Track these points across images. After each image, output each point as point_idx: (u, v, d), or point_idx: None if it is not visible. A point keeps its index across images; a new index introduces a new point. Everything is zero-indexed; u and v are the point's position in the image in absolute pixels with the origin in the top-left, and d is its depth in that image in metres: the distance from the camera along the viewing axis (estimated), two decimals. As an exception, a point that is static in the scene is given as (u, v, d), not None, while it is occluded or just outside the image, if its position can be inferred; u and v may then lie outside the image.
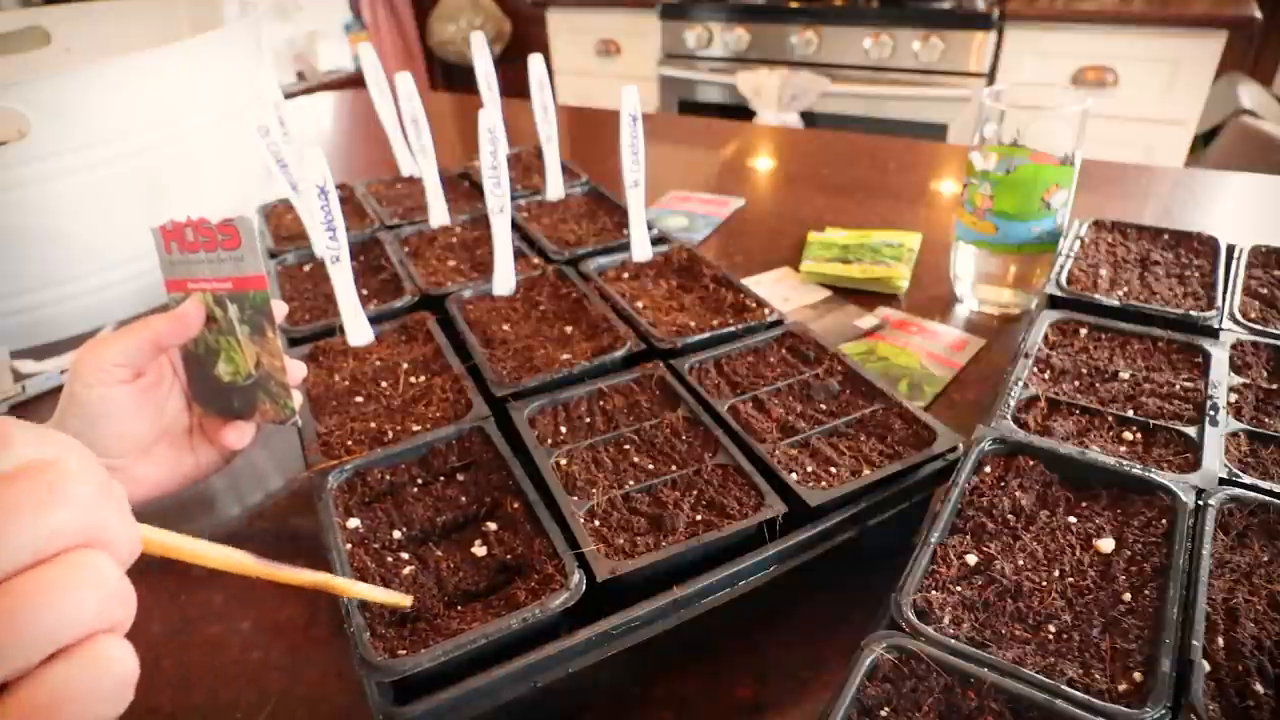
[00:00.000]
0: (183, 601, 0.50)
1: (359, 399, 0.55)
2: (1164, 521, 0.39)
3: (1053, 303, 0.59)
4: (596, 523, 0.43)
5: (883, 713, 0.31)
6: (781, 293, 0.80)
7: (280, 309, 0.50)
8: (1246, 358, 0.52)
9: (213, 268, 0.44)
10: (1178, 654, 0.32)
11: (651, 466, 0.48)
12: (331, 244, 0.58)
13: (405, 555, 0.42)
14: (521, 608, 0.37)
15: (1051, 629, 0.34)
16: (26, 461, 0.21)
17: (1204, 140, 1.97)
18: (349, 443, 0.50)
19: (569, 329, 0.62)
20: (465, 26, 3.26)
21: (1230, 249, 0.63)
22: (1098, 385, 0.51)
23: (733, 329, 0.59)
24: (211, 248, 0.44)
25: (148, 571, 0.54)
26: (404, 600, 0.38)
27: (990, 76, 2.13)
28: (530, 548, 0.42)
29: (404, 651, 0.35)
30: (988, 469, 0.43)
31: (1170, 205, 0.98)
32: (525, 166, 0.97)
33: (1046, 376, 0.52)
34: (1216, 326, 0.54)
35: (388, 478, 0.48)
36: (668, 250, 0.72)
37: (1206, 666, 0.31)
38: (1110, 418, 0.47)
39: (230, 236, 0.43)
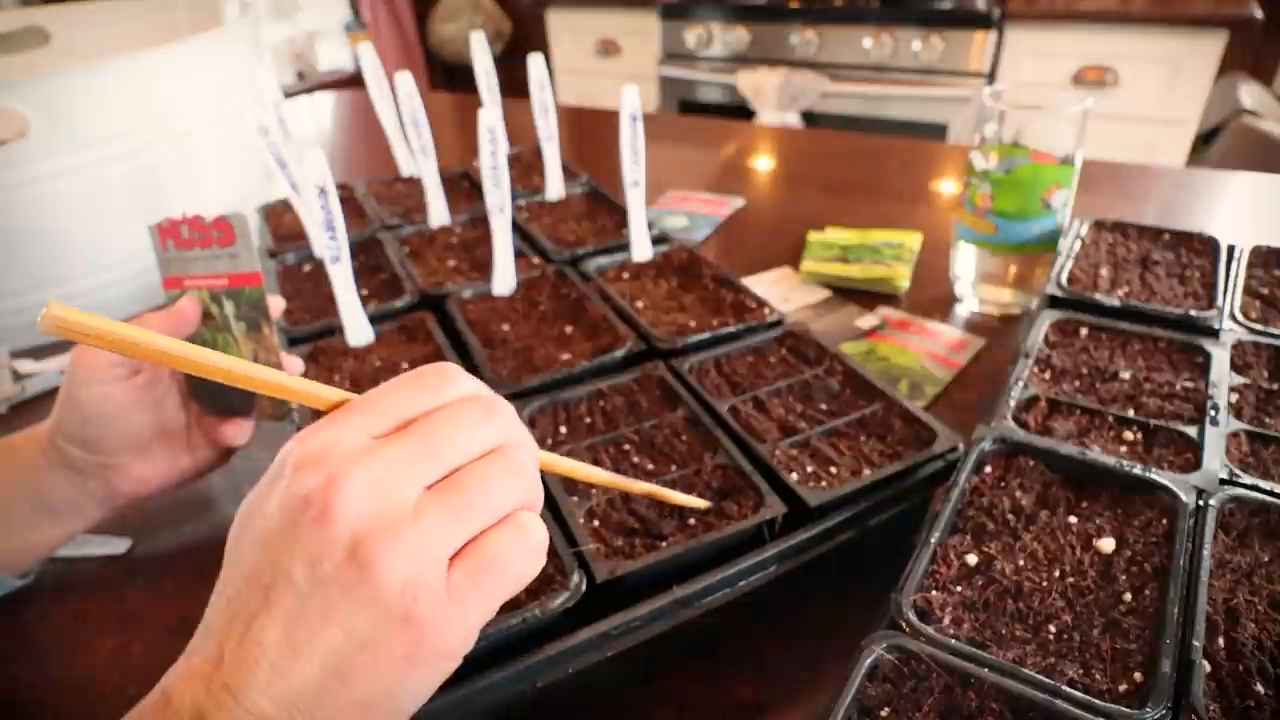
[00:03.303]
0: (183, 601, 0.50)
1: (359, 399, 0.55)
2: (1164, 522, 0.39)
3: (1053, 303, 0.59)
4: (596, 523, 0.43)
5: (883, 713, 0.31)
6: (781, 293, 0.80)
7: (277, 304, 0.50)
8: (1247, 358, 0.52)
9: (208, 264, 0.44)
10: (1178, 654, 0.32)
11: (651, 467, 0.48)
12: (331, 244, 0.58)
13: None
14: (521, 608, 0.37)
15: (1052, 629, 0.34)
16: (471, 392, 0.29)
17: (1204, 140, 1.97)
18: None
19: (569, 329, 0.62)
20: (465, 26, 3.26)
21: (1230, 249, 0.63)
22: (1098, 385, 0.51)
23: (733, 329, 0.59)
24: (207, 245, 0.44)
25: (148, 572, 0.54)
26: (702, 504, 0.43)
27: (990, 76, 2.13)
28: (530, 548, 0.42)
29: (404, 652, 0.35)
30: (988, 469, 0.43)
31: (1170, 205, 0.98)
32: (525, 166, 0.96)
33: (1047, 376, 0.52)
34: (1217, 326, 0.54)
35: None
36: (668, 250, 0.72)
37: (1207, 667, 0.31)
38: (1111, 418, 0.47)
39: (225, 233, 0.43)
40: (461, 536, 0.26)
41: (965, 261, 0.75)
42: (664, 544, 0.41)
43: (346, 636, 0.24)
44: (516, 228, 0.78)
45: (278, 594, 0.24)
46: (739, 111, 2.40)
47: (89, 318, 0.23)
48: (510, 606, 0.38)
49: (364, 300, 0.63)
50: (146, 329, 0.41)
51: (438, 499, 0.26)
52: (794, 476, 0.45)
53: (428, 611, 0.25)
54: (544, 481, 0.45)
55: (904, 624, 0.34)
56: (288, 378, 0.28)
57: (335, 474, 0.25)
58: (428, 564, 0.25)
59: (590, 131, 1.41)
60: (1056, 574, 0.37)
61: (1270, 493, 0.39)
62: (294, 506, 0.25)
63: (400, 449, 0.26)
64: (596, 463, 0.48)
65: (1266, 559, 0.37)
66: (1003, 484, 0.42)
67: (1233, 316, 0.55)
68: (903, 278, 0.79)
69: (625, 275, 0.70)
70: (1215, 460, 0.42)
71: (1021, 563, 0.38)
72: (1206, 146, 1.91)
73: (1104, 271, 0.62)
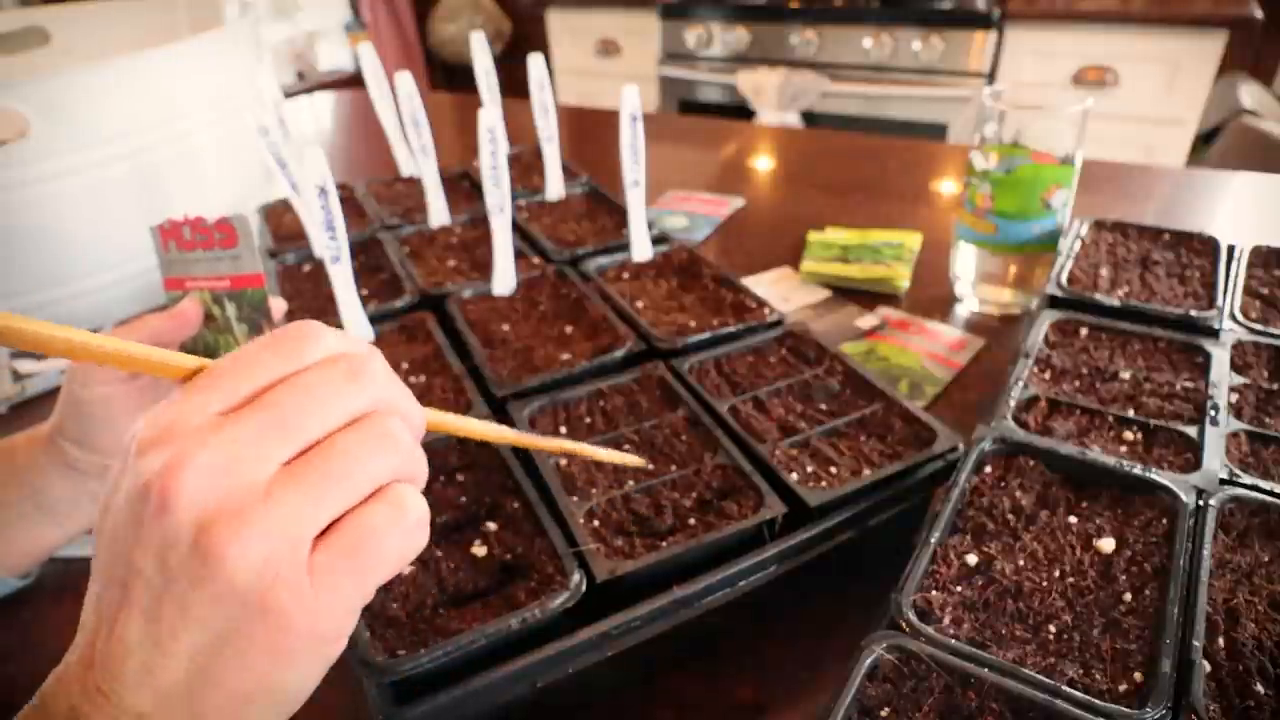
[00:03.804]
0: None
1: (359, 399, 0.55)
2: (1164, 522, 0.39)
3: (1053, 303, 0.59)
4: (596, 523, 0.43)
5: (883, 713, 0.31)
6: (781, 293, 0.80)
7: (279, 306, 0.50)
8: (1247, 357, 0.52)
9: (210, 266, 0.44)
10: (1178, 654, 0.32)
11: (651, 467, 0.48)
12: (331, 244, 0.58)
13: (405, 555, 0.42)
14: (521, 608, 0.37)
15: (1052, 629, 0.34)
16: (336, 351, 0.26)
17: (1204, 140, 1.97)
18: (349, 443, 0.50)
19: (569, 329, 0.62)
20: (465, 26, 3.26)
21: (1230, 249, 0.63)
22: (1098, 385, 0.51)
23: (733, 329, 0.59)
24: (209, 246, 0.44)
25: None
26: (640, 461, 0.44)
27: (990, 76, 2.13)
28: (530, 548, 0.42)
29: (404, 651, 0.35)
30: (988, 469, 0.43)
31: (1170, 205, 0.98)
32: (525, 166, 0.96)
33: (1047, 376, 0.52)
34: (1217, 326, 0.54)
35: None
36: (668, 250, 0.72)
37: (1207, 667, 0.31)
38: (1111, 418, 0.47)
39: (227, 235, 0.43)
40: (324, 516, 0.24)
41: (965, 261, 0.75)
42: (664, 544, 0.41)
43: (204, 631, 0.23)
44: (516, 228, 0.78)
45: (134, 590, 0.23)
46: (739, 111, 2.40)
47: (30, 323, 0.23)
48: (511, 607, 0.38)
49: (364, 300, 0.63)
50: (147, 329, 0.40)
51: (292, 477, 0.24)
52: (794, 476, 0.45)
53: (289, 599, 0.23)
54: (543, 481, 0.45)
55: (904, 624, 0.34)
56: (134, 346, 0.26)
57: (175, 458, 0.23)
58: (282, 548, 0.23)
59: (590, 131, 1.41)
60: (1056, 574, 0.37)
61: (1270, 493, 0.39)
62: (136, 496, 0.23)
63: (248, 424, 0.24)
64: (598, 463, 0.48)
65: (1266, 559, 0.37)
66: (1003, 484, 0.42)
67: (1233, 316, 0.55)
68: (903, 278, 0.79)
69: (625, 275, 0.70)
70: (1215, 460, 0.42)
71: (1021, 563, 0.38)
72: (1206, 146, 1.91)
73: (1104, 271, 0.62)
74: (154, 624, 0.23)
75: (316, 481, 0.24)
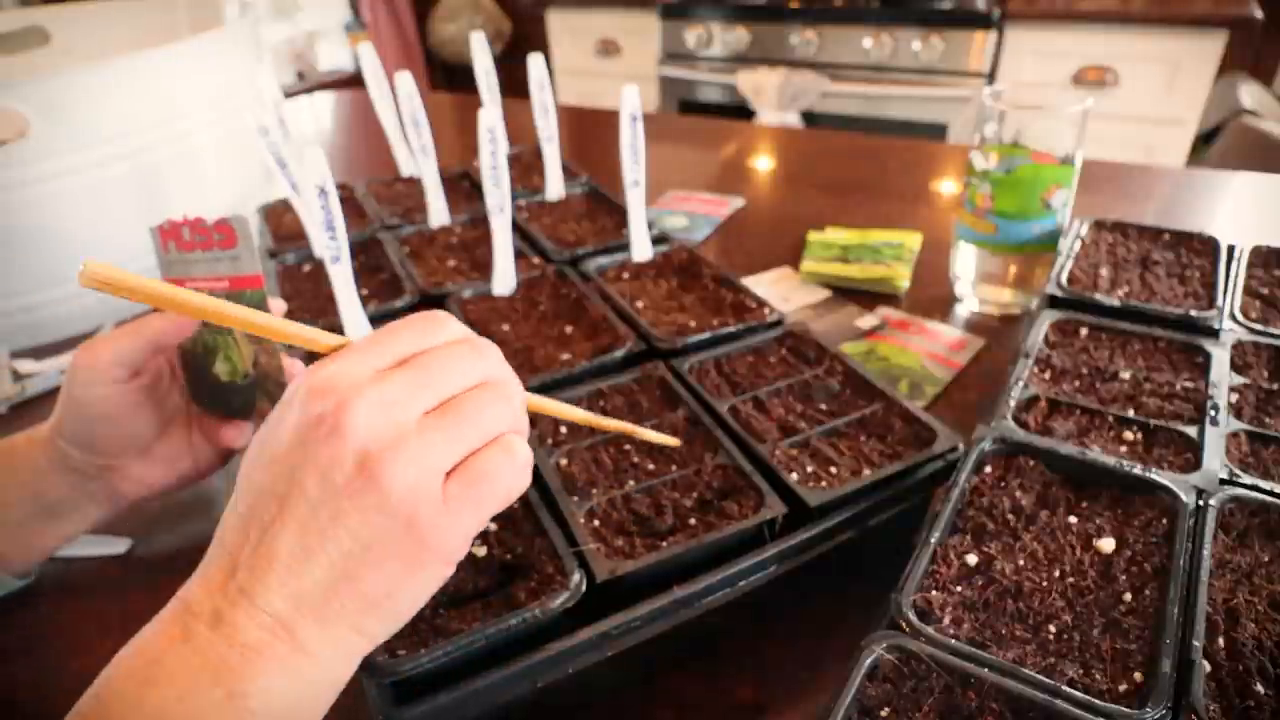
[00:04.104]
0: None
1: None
2: (1164, 522, 0.39)
3: (1053, 303, 0.59)
4: (596, 523, 0.43)
5: (883, 713, 0.31)
6: (781, 293, 0.80)
7: (278, 307, 0.50)
8: (1247, 357, 0.52)
9: (209, 267, 0.44)
10: (1178, 654, 0.32)
11: (651, 467, 0.48)
12: (331, 244, 0.58)
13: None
14: (521, 608, 0.37)
15: (1052, 629, 0.34)
16: (461, 334, 0.33)
17: (1204, 140, 1.97)
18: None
19: (569, 329, 0.62)
20: (465, 26, 3.26)
21: (1230, 249, 0.63)
22: (1098, 385, 0.51)
23: (733, 329, 0.59)
24: (208, 247, 0.44)
25: (148, 572, 0.54)
26: (674, 441, 0.48)
27: (990, 76, 2.13)
28: (530, 548, 0.42)
29: (404, 651, 0.35)
30: (988, 469, 0.43)
31: (1170, 205, 0.98)
32: (525, 166, 0.96)
33: (1047, 376, 0.52)
34: (1217, 326, 0.54)
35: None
36: (668, 250, 0.72)
37: (1207, 667, 0.31)
38: (1110, 418, 0.47)
39: (226, 236, 0.43)
40: (457, 453, 0.30)
41: (965, 261, 0.75)
42: (664, 544, 0.41)
43: (354, 539, 0.27)
44: (516, 228, 0.78)
45: (292, 503, 0.27)
46: (739, 111, 2.40)
47: (122, 273, 0.26)
48: (511, 607, 0.38)
49: (364, 300, 0.64)
50: (148, 329, 0.42)
51: (436, 420, 0.29)
52: (794, 476, 0.45)
53: (428, 517, 0.28)
54: (543, 482, 0.45)
55: (904, 624, 0.34)
56: (294, 325, 0.30)
57: (345, 398, 0.28)
58: (427, 475, 0.28)
59: (590, 131, 1.41)
60: (1056, 574, 0.37)
61: (1270, 493, 0.39)
62: (308, 425, 0.28)
63: (402, 378, 0.29)
64: (597, 463, 0.48)
65: (1266, 559, 0.37)
66: (1003, 484, 0.42)
67: (1233, 316, 0.55)
68: (903, 278, 0.79)
69: (625, 275, 0.70)
70: (1215, 460, 0.42)
71: (1021, 563, 0.38)
72: (1206, 146, 1.91)
73: (1104, 271, 0.62)
74: (306, 532, 0.27)
75: (452, 425, 0.30)
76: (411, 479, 0.28)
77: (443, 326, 0.32)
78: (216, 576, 0.28)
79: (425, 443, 0.28)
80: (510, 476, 0.31)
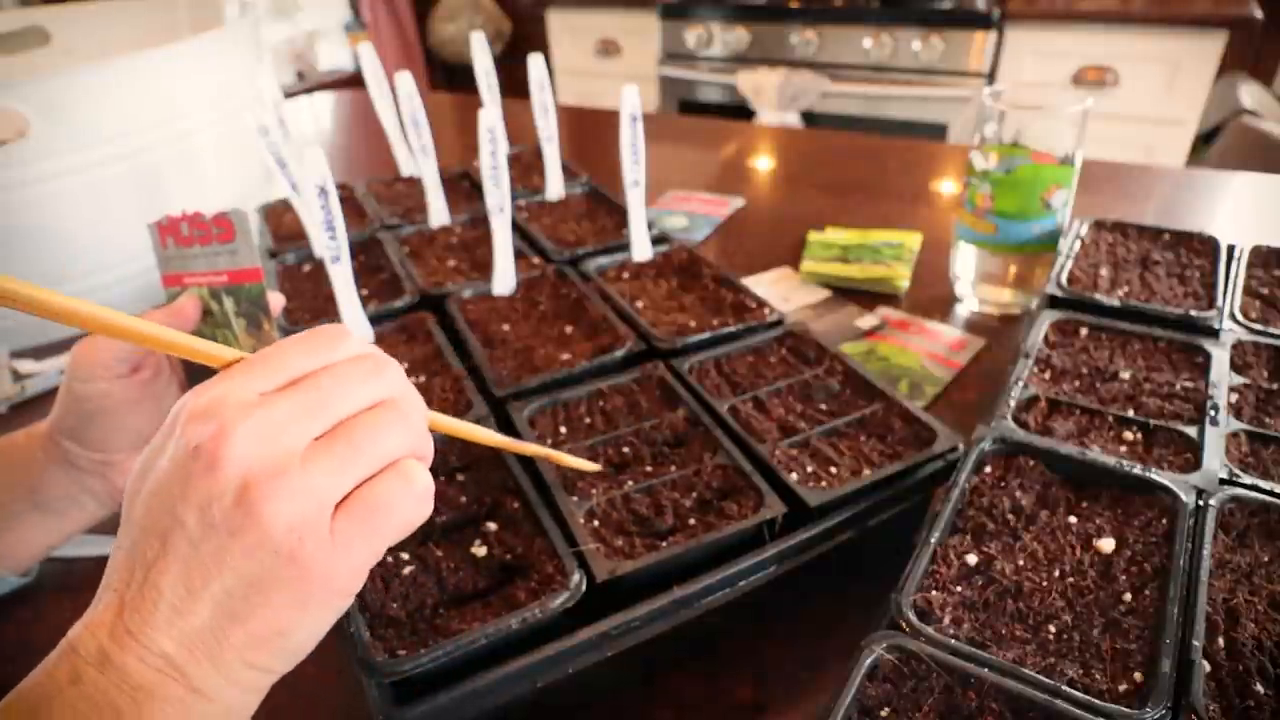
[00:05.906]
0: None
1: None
2: (1164, 522, 0.39)
3: (1053, 303, 0.59)
4: (596, 523, 0.43)
5: (883, 713, 0.31)
6: (781, 293, 0.80)
7: (277, 300, 0.50)
8: (1247, 357, 0.52)
9: (208, 261, 0.44)
10: (1178, 654, 0.32)
11: (651, 467, 0.48)
12: (331, 244, 0.58)
13: (405, 555, 0.42)
14: (521, 608, 0.37)
15: (1052, 629, 0.34)
16: (360, 351, 0.31)
17: (1204, 140, 1.97)
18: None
19: (569, 329, 0.62)
20: (465, 26, 3.26)
21: (1230, 249, 0.63)
22: (1098, 385, 0.51)
23: (733, 329, 0.59)
24: (207, 241, 0.44)
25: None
26: (594, 466, 0.46)
27: (990, 76, 2.13)
28: (530, 548, 0.42)
29: (404, 651, 0.35)
30: (988, 469, 0.43)
31: (1170, 205, 0.98)
32: (525, 166, 0.96)
33: (1047, 376, 0.52)
34: (1216, 326, 0.54)
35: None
36: (668, 250, 0.72)
37: (1207, 667, 0.31)
38: (1110, 418, 0.47)
39: (225, 230, 0.43)
40: (347, 483, 0.28)
41: (965, 261, 0.75)
42: (664, 544, 0.41)
43: (238, 577, 0.26)
44: (516, 228, 0.78)
45: (174, 541, 0.26)
46: (739, 111, 2.40)
47: (27, 286, 0.25)
48: (511, 607, 0.38)
49: (364, 300, 0.63)
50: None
51: (324, 447, 0.28)
52: (794, 476, 0.45)
53: (312, 554, 0.26)
54: (544, 481, 0.45)
55: (904, 624, 0.34)
56: (188, 338, 0.29)
57: (225, 425, 0.26)
58: (312, 509, 0.26)
59: (590, 131, 1.41)
60: (1056, 574, 0.37)
61: (1270, 493, 0.39)
62: (186, 456, 0.26)
63: (288, 402, 0.28)
64: (596, 461, 0.48)
65: (1266, 559, 0.37)
66: (1003, 484, 0.42)
67: (1233, 316, 0.55)
68: (903, 278, 0.79)
69: (625, 275, 0.70)
70: (1215, 460, 0.42)
71: (1021, 563, 0.38)
72: (1206, 146, 1.91)
73: (1104, 271, 0.62)
74: (190, 571, 0.26)
75: (342, 452, 0.28)
76: (294, 514, 0.26)
77: (338, 342, 0.30)
78: (104, 617, 0.26)
79: (310, 473, 0.27)
80: (407, 506, 0.29)
